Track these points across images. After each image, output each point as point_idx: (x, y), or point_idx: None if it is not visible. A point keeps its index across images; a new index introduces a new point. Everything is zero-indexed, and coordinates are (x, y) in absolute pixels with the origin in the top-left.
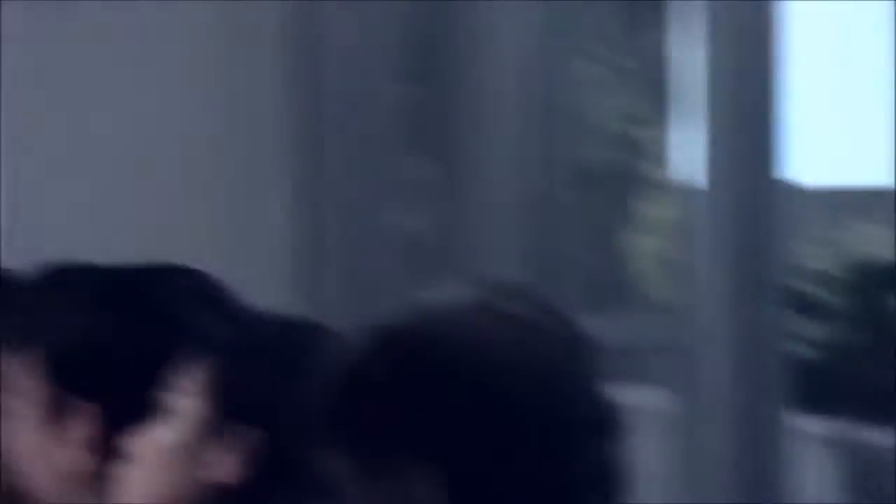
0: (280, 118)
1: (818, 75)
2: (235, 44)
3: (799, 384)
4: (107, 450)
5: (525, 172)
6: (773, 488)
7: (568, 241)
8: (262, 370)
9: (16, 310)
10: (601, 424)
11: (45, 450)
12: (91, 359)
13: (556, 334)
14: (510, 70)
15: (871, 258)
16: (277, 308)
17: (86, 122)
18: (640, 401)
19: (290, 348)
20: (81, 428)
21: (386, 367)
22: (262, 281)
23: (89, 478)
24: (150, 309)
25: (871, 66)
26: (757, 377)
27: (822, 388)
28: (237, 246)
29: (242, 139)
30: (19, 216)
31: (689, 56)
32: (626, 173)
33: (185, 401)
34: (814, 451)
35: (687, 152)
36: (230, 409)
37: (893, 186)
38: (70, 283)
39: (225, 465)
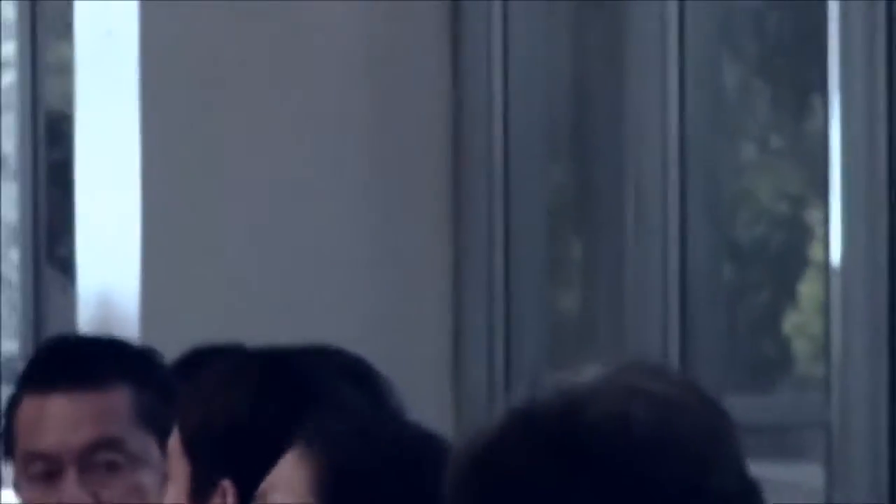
0: (437, 202)
1: None
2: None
3: None
4: None
5: (683, 251)
6: None
7: (725, 319)
8: (376, 475)
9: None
10: (746, 500)
11: None
12: (228, 436)
13: (697, 412)
14: (672, 149)
15: None
16: (428, 386)
17: (237, 192)
18: (793, 477)
19: (413, 465)
20: None
21: (523, 448)
22: (415, 357)
23: None
24: (292, 386)
25: None
26: None
27: None
28: (391, 328)
29: (397, 221)
30: (161, 296)
31: (848, 138)
32: (784, 253)
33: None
34: None
35: (846, 231)
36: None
37: None
38: (213, 362)
39: None
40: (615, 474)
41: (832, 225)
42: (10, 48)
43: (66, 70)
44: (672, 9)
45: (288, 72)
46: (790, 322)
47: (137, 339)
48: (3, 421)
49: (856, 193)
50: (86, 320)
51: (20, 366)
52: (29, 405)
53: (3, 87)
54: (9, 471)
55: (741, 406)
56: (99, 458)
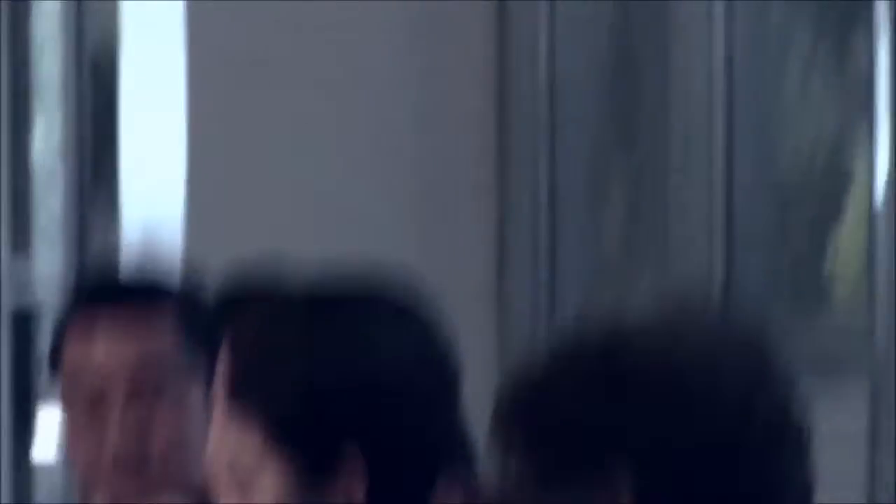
0: (481, 116)
1: None
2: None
3: None
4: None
5: (726, 187)
6: None
7: (768, 256)
8: None
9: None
10: (792, 435)
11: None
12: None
13: (743, 354)
14: (718, 80)
15: None
16: (472, 314)
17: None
18: (832, 411)
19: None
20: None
21: (569, 389)
22: (459, 283)
23: None
24: (341, 336)
25: None
26: None
27: None
28: (435, 255)
29: (442, 138)
30: (205, 217)
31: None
32: (827, 193)
33: None
34: None
35: (892, 168)
36: None
37: None
38: (253, 308)
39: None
40: (660, 415)
41: (877, 160)
42: None
43: None
44: None
45: None
46: (833, 258)
47: (181, 262)
48: (51, 339)
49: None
50: (130, 243)
51: (65, 289)
52: (76, 325)
53: (47, 8)
54: (54, 388)
55: (783, 340)
56: (145, 380)
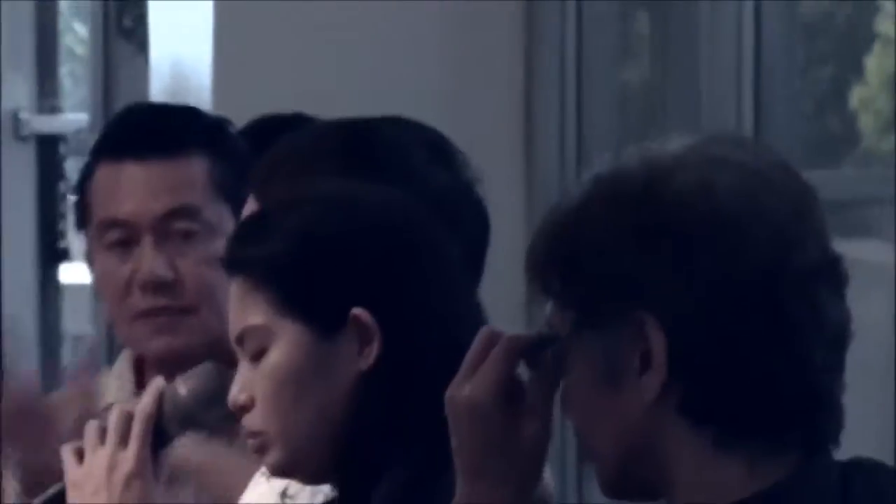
0: None
1: None
2: None
3: None
4: None
5: (751, 27)
6: None
7: (793, 94)
8: None
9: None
10: (828, 274)
11: None
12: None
13: (782, 185)
14: None
15: None
16: (500, 162)
17: None
18: (861, 254)
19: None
20: None
21: (607, 216)
22: (487, 133)
23: None
24: (376, 160)
25: None
26: None
27: None
28: (463, 105)
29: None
30: (233, 65)
31: None
32: (854, 27)
33: None
34: None
35: None
36: None
37: None
38: (284, 134)
39: None
40: (699, 244)
41: None
42: None
43: None
44: None
45: None
46: (860, 97)
47: (210, 109)
48: (77, 190)
49: None
50: (157, 91)
51: (89, 139)
52: (104, 173)
53: None
54: (80, 243)
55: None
56: (175, 227)
